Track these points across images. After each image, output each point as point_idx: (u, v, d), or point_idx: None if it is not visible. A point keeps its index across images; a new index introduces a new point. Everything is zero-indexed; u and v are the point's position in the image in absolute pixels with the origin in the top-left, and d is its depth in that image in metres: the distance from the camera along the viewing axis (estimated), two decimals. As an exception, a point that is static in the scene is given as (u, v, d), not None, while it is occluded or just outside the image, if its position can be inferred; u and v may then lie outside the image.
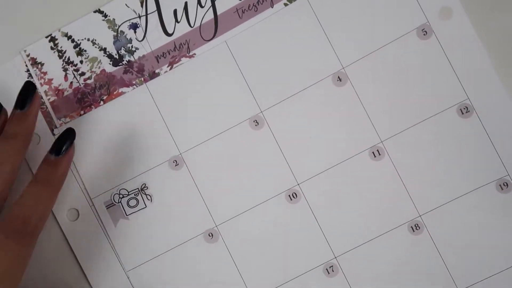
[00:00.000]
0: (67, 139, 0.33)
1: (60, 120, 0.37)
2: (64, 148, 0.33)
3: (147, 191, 0.36)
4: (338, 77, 0.36)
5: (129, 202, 0.36)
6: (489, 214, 0.35)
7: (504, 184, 0.35)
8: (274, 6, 0.36)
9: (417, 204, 0.35)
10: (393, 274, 0.35)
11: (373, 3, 0.35)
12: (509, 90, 0.35)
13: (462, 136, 0.35)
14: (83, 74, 0.37)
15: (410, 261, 0.35)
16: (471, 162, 0.35)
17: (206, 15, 0.36)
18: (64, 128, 0.36)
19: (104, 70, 0.36)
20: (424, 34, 0.35)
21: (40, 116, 0.36)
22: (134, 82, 0.36)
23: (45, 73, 0.37)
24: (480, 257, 0.35)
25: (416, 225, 0.35)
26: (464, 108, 0.35)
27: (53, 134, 0.36)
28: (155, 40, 0.36)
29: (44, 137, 0.36)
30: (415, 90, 0.35)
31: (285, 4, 0.36)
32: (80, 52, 0.37)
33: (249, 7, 0.36)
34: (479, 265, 0.35)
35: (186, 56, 0.36)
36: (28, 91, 0.33)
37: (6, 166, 0.31)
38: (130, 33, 0.36)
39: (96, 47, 0.37)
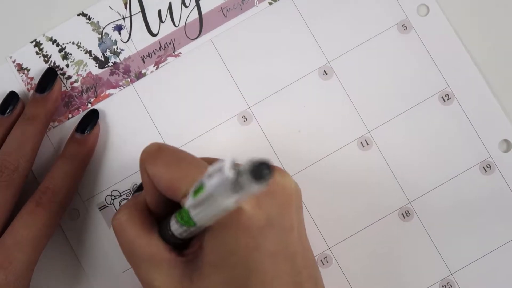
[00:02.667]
0: (91, 118, 0.35)
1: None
2: (89, 127, 0.35)
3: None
4: (324, 71, 0.36)
5: (122, 203, 0.36)
6: (475, 196, 0.36)
7: (487, 166, 0.36)
8: (258, 5, 0.36)
9: (406, 191, 0.36)
10: (386, 262, 0.36)
11: (354, 0, 0.36)
12: (486, 76, 0.36)
13: (445, 123, 0.36)
14: (69, 77, 0.36)
15: (402, 248, 0.36)
16: (455, 147, 0.36)
17: (190, 15, 0.37)
18: (52, 132, 0.36)
19: (90, 72, 0.36)
20: (404, 29, 0.37)
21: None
22: (121, 84, 0.36)
23: (31, 79, 0.36)
24: (471, 239, 0.36)
25: (407, 212, 0.36)
26: (446, 96, 0.36)
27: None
28: (140, 40, 0.37)
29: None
30: (399, 81, 0.36)
31: (270, 3, 0.36)
32: (65, 56, 0.37)
33: (234, 6, 0.36)
34: (471, 247, 0.36)
35: (172, 56, 0.36)
36: (49, 77, 0.35)
37: (26, 146, 0.33)
38: (114, 35, 0.37)
39: (81, 50, 0.37)
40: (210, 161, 0.28)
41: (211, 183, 0.21)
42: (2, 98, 0.35)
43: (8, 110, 0.35)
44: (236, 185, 0.20)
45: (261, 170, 0.19)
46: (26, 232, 0.31)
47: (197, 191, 0.22)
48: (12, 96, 0.35)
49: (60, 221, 0.34)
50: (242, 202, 0.23)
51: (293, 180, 0.28)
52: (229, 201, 0.21)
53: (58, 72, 0.36)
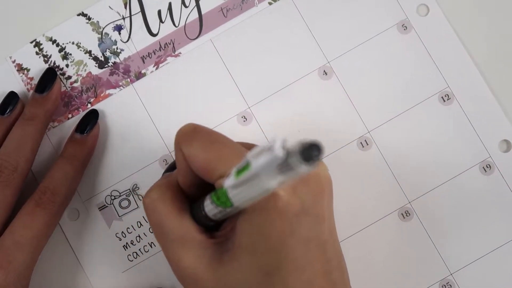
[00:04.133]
0: (91, 118, 0.35)
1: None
2: (88, 128, 0.35)
3: (138, 192, 0.36)
4: (324, 71, 0.36)
5: (121, 203, 0.36)
6: (475, 196, 0.36)
7: (487, 166, 0.36)
8: (258, 5, 0.36)
9: (406, 191, 0.36)
10: (386, 261, 0.36)
11: (354, 0, 0.36)
12: (486, 76, 0.36)
13: (445, 123, 0.36)
14: (69, 77, 0.36)
15: (401, 248, 0.36)
16: (454, 147, 0.36)
17: (190, 15, 0.37)
18: (52, 132, 0.36)
19: (90, 72, 0.37)
20: (404, 29, 0.37)
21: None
22: (120, 84, 0.36)
23: (31, 79, 0.36)
24: (471, 239, 0.36)
25: (406, 212, 0.36)
26: (445, 96, 0.36)
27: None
28: (140, 40, 0.37)
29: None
30: (399, 81, 0.36)
31: (270, 3, 0.36)
32: (65, 56, 0.37)
33: (233, 6, 0.36)
34: (470, 247, 0.36)
35: (171, 56, 0.36)
36: (49, 77, 0.35)
37: (26, 147, 0.33)
38: (114, 35, 0.37)
39: (81, 50, 0.37)
40: (245, 145, 0.28)
41: (258, 162, 0.20)
42: (2, 98, 0.35)
43: (8, 110, 0.35)
44: (284, 166, 0.19)
45: (311, 151, 0.18)
46: (25, 232, 0.32)
47: (241, 171, 0.22)
48: (12, 96, 0.35)
49: (59, 221, 0.34)
50: (279, 187, 0.23)
51: (327, 170, 0.28)
52: (273, 182, 0.20)
53: (58, 72, 0.36)
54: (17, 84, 0.36)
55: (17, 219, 0.32)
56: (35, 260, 0.33)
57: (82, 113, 0.36)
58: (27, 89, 0.36)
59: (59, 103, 0.36)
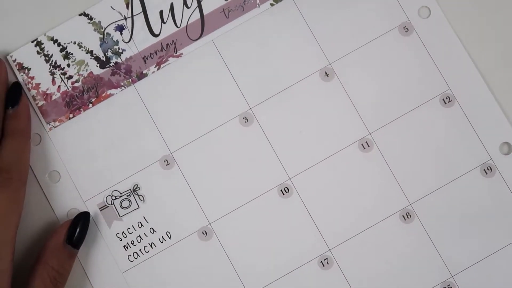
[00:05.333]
0: (16, 90, 0.36)
1: (49, 124, 0.36)
2: (17, 99, 0.35)
3: (139, 192, 0.36)
4: (325, 72, 0.36)
5: (122, 203, 0.36)
6: (476, 199, 0.36)
7: (488, 169, 0.36)
8: (260, 6, 0.36)
9: (407, 193, 0.36)
10: (387, 262, 0.36)
11: (357, 2, 0.36)
12: (487, 78, 0.36)
13: (446, 125, 0.36)
14: (70, 77, 0.36)
15: (403, 250, 0.36)
16: (455, 149, 0.36)
17: (192, 15, 0.36)
18: (53, 132, 0.36)
19: (91, 72, 0.36)
20: (406, 31, 0.37)
21: (36, 117, 0.37)
22: (122, 84, 0.36)
23: (32, 78, 0.36)
24: (471, 241, 0.36)
25: (407, 214, 0.36)
26: (447, 98, 0.36)
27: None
28: (142, 41, 0.36)
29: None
30: (400, 83, 0.36)
31: (271, 4, 0.36)
32: (66, 56, 0.36)
33: (235, 7, 0.36)
34: (471, 250, 0.36)
35: (173, 56, 0.36)
36: (16, 89, 0.36)
37: (24, 164, 0.35)
38: (116, 35, 0.37)
39: (82, 50, 0.37)
40: None
41: None
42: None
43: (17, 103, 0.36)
44: None
45: None
46: None
47: None
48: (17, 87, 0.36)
49: (23, 196, 0.34)
50: None
51: None
52: None
53: (59, 72, 0.36)
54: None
55: None
56: (11, 238, 0.33)
57: (83, 114, 0.36)
58: (28, 88, 0.36)
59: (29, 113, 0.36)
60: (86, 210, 0.36)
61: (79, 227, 0.35)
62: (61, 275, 0.34)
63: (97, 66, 0.36)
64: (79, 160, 0.36)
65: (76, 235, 0.35)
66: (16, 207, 0.33)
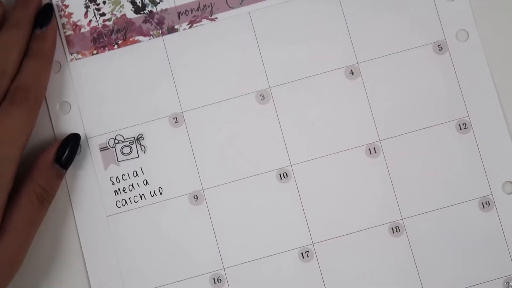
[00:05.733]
0: (48, 12, 0.36)
1: (72, 55, 0.36)
2: (46, 21, 0.35)
3: (142, 142, 0.36)
4: (351, 70, 0.36)
5: (123, 149, 0.36)
6: (467, 229, 0.36)
7: (486, 203, 0.36)
8: (303, -11, 0.36)
9: (401, 207, 0.36)
10: (366, 270, 0.36)
11: (400, 10, 0.36)
12: (507, 115, 0.36)
13: (456, 150, 0.36)
14: (103, 14, 0.37)
15: (384, 261, 0.36)
16: (460, 176, 0.36)
17: (235, -17, 0.37)
18: (73, 64, 0.36)
19: (124, 15, 0.37)
20: (439, 50, 0.37)
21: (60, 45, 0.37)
22: (151, 33, 0.37)
23: (66, 6, 0.36)
24: (452, 270, 0.35)
25: (397, 227, 0.36)
26: (463, 124, 0.36)
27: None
28: (181, -4, 0.37)
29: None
30: (421, 98, 0.36)
31: (314, -10, 0.36)
32: (104, -7, 0.37)
33: (279, -16, 0.36)
34: (450, 278, 0.36)
35: (207, 19, 0.37)
36: (47, 11, 0.36)
37: (13, 49, 0.34)
38: (157, -15, 0.37)
39: (121, -9, 0.37)
40: None
41: None
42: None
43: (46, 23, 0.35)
44: None
45: None
46: (3, 130, 0.32)
47: None
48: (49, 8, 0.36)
49: (36, 118, 0.34)
50: None
51: None
52: None
53: (93, 7, 0.36)
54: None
55: None
56: (18, 157, 0.33)
57: (106, 53, 0.36)
58: (60, 15, 0.37)
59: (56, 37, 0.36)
60: (87, 146, 0.36)
61: (69, 148, 0.35)
62: (48, 193, 0.34)
63: (131, 10, 0.37)
64: (92, 97, 0.36)
65: (65, 155, 0.35)
66: (28, 127, 0.34)
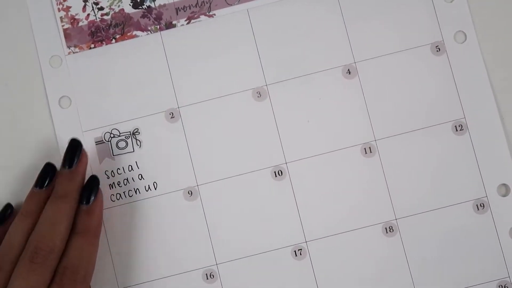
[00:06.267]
0: (93, 186, 0.35)
1: (69, 48, 0.37)
2: (92, 197, 0.34)
3: (138, 136, 0.36)
4: (348, 70, 0.36)
5: (118, 144, 0.36)
6: (461, 231, 0.36)
7: (480, 205, 0.36)
8: (301, -13, 0.36)
9: (395, 208, 0.36)
10: (358, 269, 0.36)
11: (399, 10, 0.36)
12: (504, 117, 0.36)
13: (452, 152, 0.36)
14: (101, 8, 0.37)
15: (377, 260, 0.36)
16: (455, 177, 0.36)
17: (234, -20, 0.37)
18: (70, 58, 0.36)
19: (123, 9, 0.37)
20: (437, 51, 0.36)
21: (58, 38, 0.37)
22: (149, 28, 0.37)
23: (65, 0, 0.37)
24: (445, 271, 0.35)
25: (390, 227, 0.36)
26: (459, 126, 0.36)
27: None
28: (180, -8, 0.37)
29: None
30: (418, 99, 0.36)
31: (313, -12, 0.37)
32: (103, -13, 0.37)
33: (278, -18, 0.36)
34: (444, 279, 0.36)
35: (205, 15, 0.37)
36: (75, 149, 0.34)
37: (61, 225, 0.32)
38: (156, -20, 0.37)
39: (120, -15, 0.37)
40: None
41: None
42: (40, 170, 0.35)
43: (47, 183, 0.34)
44: None
45: None
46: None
47: None
48: (49, 168, 0.34)
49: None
50: None
51: None
52: None
53: (92, 1, 0.36)
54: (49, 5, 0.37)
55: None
56: None
57: (104, 47, 0.36)
58: (58, 8, 0.37)
59: (84, 176, 0.35)
60: (83, 140, 0.36)
61: (84, 185, 0.35)
62: (86, 233, 0.34)
63: (129, 5, 0.37)
64: (88, 91, 0.37)
65: (81, 192, 0.34)
66: None
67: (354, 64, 0.36)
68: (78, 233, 0.33)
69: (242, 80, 0.36)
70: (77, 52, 0.37)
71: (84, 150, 0.35)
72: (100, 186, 0.36)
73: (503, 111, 0.36)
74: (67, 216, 0.33)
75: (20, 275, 0.31)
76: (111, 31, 0.37)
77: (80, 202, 0.34)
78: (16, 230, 0.33)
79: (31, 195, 0.34)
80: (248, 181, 0.36)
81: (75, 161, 0.34)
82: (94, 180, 0.35)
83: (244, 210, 0.36)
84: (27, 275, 0.31)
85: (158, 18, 0.37)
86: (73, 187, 0.34)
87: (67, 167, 0.34)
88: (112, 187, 0.36)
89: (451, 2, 0.37)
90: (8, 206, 0.35)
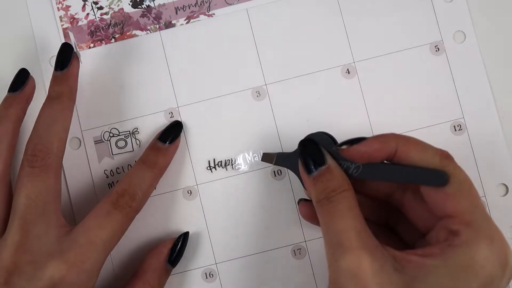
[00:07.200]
0: (175, 129, 0.35)
1: (68, 47, 0.37)
2: (170, 139, 0.35)
3: (137, 136, 0.36)
4: (347, 69, 0.36)
5: (118, 143, 0.36)
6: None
7: (480, 205, 0.36)
8: (301, -13, 0.36)
9: (394, 207, 0.36)
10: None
11: (398, 10, 0.36)
12: (502, 118, 0.36)
13: (450, 152, 0.36)
14: (101, 8, 0.37)
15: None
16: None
17: (234, -20, 0.37)
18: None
19: (122, 9, 0.37)
20: (436, 51, 0.36)
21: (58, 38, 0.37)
22: (148, 28, 0.37)
23: (64, -1, 0.37)
24: None
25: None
26: (458, 126, 0.36)
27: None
28: (179, -8, 0.37)
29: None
30: (416, 99, 0.36)
31: (312, -11, 0.37)
32: (102, -14, 0.37)
33: (277, -19, 0.36)
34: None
35: (205, 14, 0.37)
36: (66, 52, 0.34)
37: (57, 124, 0.32)
38: (156, -20, 0.37)
39: (119, -15, 0.37)
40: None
41: None
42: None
43: (20, 87, 0.34)
44: None
45: None
46: (100, 233, 0.31)
47: None
48: (23, 73, 0.34)
49: (130, 224, 0.33)
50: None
51: None
52: None
53: (91, 0, 0.36)
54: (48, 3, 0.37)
55: (93, 218, 0.31)
56: (103, 262, 0.31)
57: (103, 46, 0.36)
58: (57, 8, 0.37)
59: (77, 78, 0.35)
60: (82, 138, 0.36)
61: (180, 247, 0.35)
62: (153, 167, 0.34)
63: (129, 4, 0.37)
64: (88, 90, 0.37)
65: (176, 255, 0.35)
66: (121, 235, 0.32)
67: (353, 64, 0.36)
68: (146, 164, 0.33)
69: (242, 79, 0.37)
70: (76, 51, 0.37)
71: (75, 53, 0.34)
72: (100, 185, 0.36)
73: (502, 111, 0.36)
74: (62, 115, 0.32)
75: (23, 185, 0.31)
76: (111, 30, 0.37)
77: (158, 138, 0.35)
78: None
79: (5, 99, 0.34)
80: (248, 181, 0.36)
81: (66, 64, 0.34)
82: (178, 125, 0.36)
83: (243, 210, 0.36)
84: (31, 182, 0.30)
85: (158, 18, 0.37)
86: (66, 88, 0.33)
87: (59, 70, 0.33)
88: (112, 186, 0.36)
89: (450, 2, 0.37)
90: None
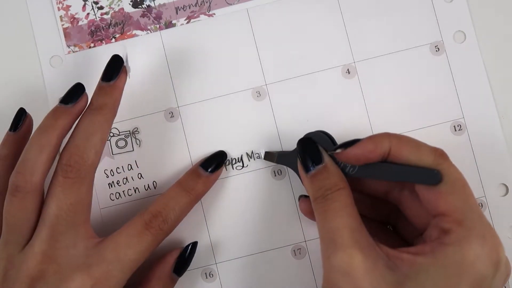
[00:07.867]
0: (219, 158, 0.35)
1: (69, 48, 0.37)
2: (213, 167, 0.35)
3: (137, 135, 0.36)
4: (348, 69, 0.36)
5: (118, 143, 0.36)
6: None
7: (480, 205, 0.36)
8: (301, -13, 0.36)
9: (394, 207, 0.36)
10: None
11: (398, 10, 0.37)
12: (503, 118, 0.36)
13: (450, 152, 0.36)
14: (101, 8, 0.37)
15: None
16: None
17: (234, -20, 0.37)
18: (70, 57, 0.36)
19: (122, 9, 0.37)
20: (436, 51, 0.37)
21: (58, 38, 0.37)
22: (149, 28, 0.37)
23: (64, -1, 0.37)
24: None
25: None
26: (458, 126, 0.36)
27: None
28: (179, -8, 0.37)
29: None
30: (416, 99, 0.36)
31: (313, -11, 0.37)
32: (103, -14, 0.37)
33: (277, -19, 0.36)
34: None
35: (205, 14, 0.37)
36: (115, 64, 0.33)
37: (96, 137, 0.31)
38: (156, -20, 0.37)
39: (120, -15, 0.37)
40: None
41: None
42: (68, 89, 0.33)
43: (73, 101, 0.32)
44: None
45: None
46: (129, 252, 0.30)
47: None
48: (77, 88, 0.33)
49: (154, 249, 0.32)
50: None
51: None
52: None
53: (91, 0, 0.36)
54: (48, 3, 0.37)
55: (124, 236, 0.31)
56: (127, 280, 0.31)
57: (104, 46, 0.36)
58: (58, 7, 0.37)
59: (122, 91, 0.34)
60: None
61: (187, 257, 0.35)
62: (190, 192, 0.33)
63: (129, 4, 0.37)
64: (88, 90, 0.36)
65: (182, 264, 0.35)
66: (147, 257, 0.32)
67: (353, 64, 0.36)
68: (184, 188, 0.33)
69: (242, 79, 0.37)
70: (77, 51, 0.37)
71: (124, 67, 0.33)
72: (99, 185, 0.36)
73: (501, 111, 0.36)
74: (101, 127, 0.31)
75: (55, 195, 0.30)
76: (111, 30, 0.37)
77: (200, 165, 0.35)
78: None
79: (5, 138, 0.33)
80: (248, 180, 0.36)
81: (115, 76, 0.33)
82: (223, 155, 0.36)
83: (244, 209, 0.36)
84: (63, 192, 0.30)
85: (158, 18, 0.37)
86: (110, 101, 0.32)
87: (105, 81, 0.33)
88: (112, 186, 0.36)
89: (451, 2, 0.37)
90: (22, 111, 0.34)
